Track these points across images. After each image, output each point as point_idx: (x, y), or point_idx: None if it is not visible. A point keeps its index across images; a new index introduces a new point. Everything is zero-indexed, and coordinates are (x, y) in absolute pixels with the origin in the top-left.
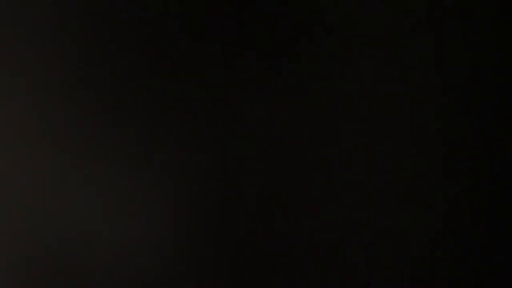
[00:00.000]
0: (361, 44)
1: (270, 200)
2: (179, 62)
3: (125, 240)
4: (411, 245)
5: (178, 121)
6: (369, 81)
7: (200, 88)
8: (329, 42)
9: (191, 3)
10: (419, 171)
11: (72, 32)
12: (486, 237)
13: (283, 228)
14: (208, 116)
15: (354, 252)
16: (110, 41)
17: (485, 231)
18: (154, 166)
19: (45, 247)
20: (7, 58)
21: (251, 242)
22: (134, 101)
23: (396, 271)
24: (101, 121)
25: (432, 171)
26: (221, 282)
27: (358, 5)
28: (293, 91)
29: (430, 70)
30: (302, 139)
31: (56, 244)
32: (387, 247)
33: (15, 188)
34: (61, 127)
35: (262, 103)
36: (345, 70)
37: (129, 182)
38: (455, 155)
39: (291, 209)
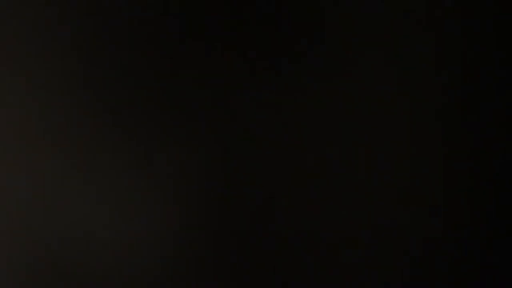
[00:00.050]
0: (361, 44)
1: (270, 200)
2: (179, 62)
3: (125, 240)
4: (411, 245)
5: (178, 121)
6: (369, 81)
7: (200, 88)
8: (329, 42)
9: (191, 3)
10: (419, 171)
11: (72, 32)
12: (486, 237)
13: (283, 228)
14: (208, 116)
15: (354, 252)
16: (110, 41)
17: (485, 231)
18: (154, 166)
19: (45, 247)
20: (7, 58)
21: (251, 242)
22: (134, 101)
23: (396, 271)
24: (101, 121)
25: (432, 171)
26: (221, 282)
27: (358, 5)
28: (293, 91)
29: (430, 70)
30: (302, 139)
31: (56, 244)
32: (387, 247)
33: (15, 188)
34: (61, 127)
35: (262, 103)
36: (345, 70)
37: (129, 182)
38: (455, 155)
39: (291, 209)
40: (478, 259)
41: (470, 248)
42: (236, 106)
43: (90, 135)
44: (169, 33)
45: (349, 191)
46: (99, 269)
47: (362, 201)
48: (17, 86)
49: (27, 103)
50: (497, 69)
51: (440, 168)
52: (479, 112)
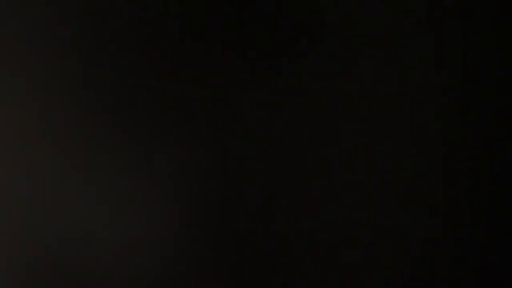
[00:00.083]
0: (361, 44)
1: (270, 200)
2: (179, 62)
3: (125, 240)
4: (411, 245)
5: (178, 121)
6: (369, 81)
7: (200, 88)
8: (329, 42)
9: (191, 3)
10: (419, 171)
11: (72, 32)
12: (486, 237)
13: (283, 228)
14: (208, 116)
15: (354, 252)
16: (110, 41)
17: (485, 231)
18: (154, 166)
19: (45, 247)
20: (7, 58)
21: (251, 242)
22: (134, 101)
23: (396, 271)
24: (101, 121)
25: (432, 171)
26: (221, 282)
27: (358, 5)
28: (293, 91)
29: (430, 70)
30: (302, 139)
31: (56, 244)
32: (387, 247)
33: (15, 188)
34: (61, 127)
35: (262, 103)
36: (345, 70)
37: (129, 182)
38: (455, 155)
39: (291, 209)
40: (478, 259)
41: (470, 248)
42: (236, 106)
43: (90, 135)
44: (169, 33)
45: (349, 191)
46: (99, 269)
47: (362, 201)
48: (17, 86)
49: (27, 103)
50: (497, 69)
51: (440, 168)
52: (479, 112)
